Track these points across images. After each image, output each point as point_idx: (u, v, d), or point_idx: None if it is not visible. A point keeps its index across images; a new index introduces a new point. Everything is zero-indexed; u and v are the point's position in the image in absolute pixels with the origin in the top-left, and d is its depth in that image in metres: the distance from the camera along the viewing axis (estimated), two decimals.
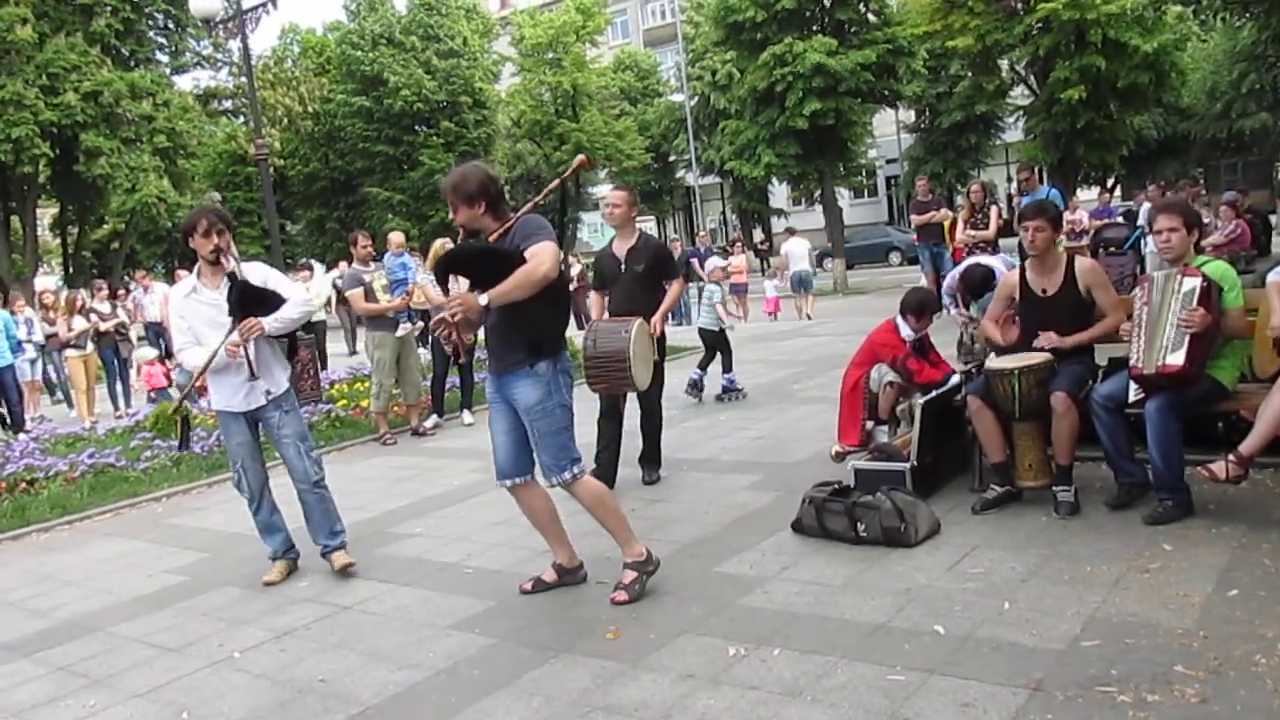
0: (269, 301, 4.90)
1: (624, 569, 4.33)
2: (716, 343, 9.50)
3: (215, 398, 5.11)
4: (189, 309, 5.00)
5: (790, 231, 20.65)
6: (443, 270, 4.20)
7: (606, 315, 6.09)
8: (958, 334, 7.80)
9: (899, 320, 6.34)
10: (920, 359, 6.15)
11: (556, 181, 4.51)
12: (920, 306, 6.33)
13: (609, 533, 4.38)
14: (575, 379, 4.55)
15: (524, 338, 4.13)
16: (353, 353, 17.75)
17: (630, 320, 5.44)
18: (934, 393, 5.54)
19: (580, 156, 4.76)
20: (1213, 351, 4.50)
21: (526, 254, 3.94)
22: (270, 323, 4.86)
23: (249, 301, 4.82)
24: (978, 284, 7.11)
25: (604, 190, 43.95)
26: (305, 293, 5.24)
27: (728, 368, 9.39)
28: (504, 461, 4.37)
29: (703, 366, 9.50)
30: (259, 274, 5.02)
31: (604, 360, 5.15)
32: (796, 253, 18.45)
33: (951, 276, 8.37)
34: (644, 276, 6.09)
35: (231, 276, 4.83)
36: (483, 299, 3.91)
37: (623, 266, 6.11)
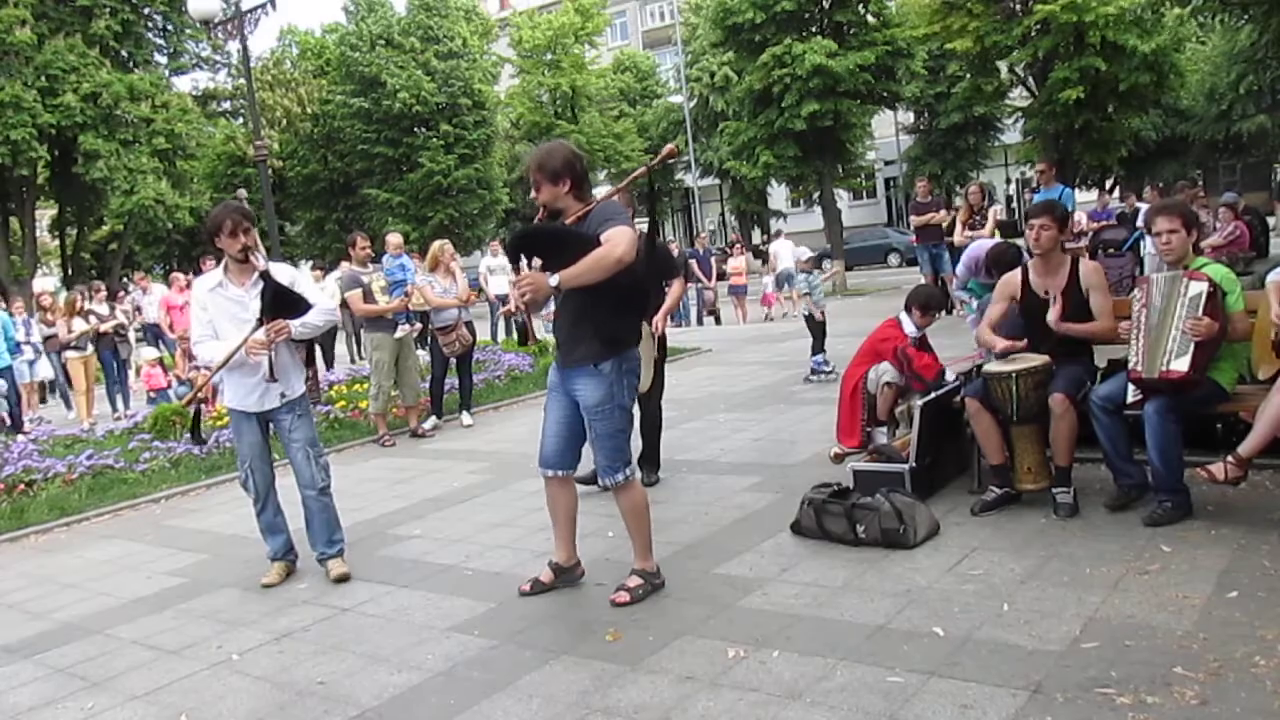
0: (298, 305, 4.88)
1: (632, 574, 4.32)
2: (813, 327, 9.99)
3: (229, 396, 5.08)
4: (212, 302, 4.97)
5: (778, 234, 21.42)
6: (514, 248, 4.06)
7: None
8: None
9: (903, 316, 6.34)
10: (918, 349, 6.16)
11: (643, 169, 4.32)
12: (927, 301, 6.34)
13: (632, 539, 4.36)
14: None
15: (593, 331, 4.04)
16: (360, 358, 17.62)
17: None
18: (932, 394, 5.54)
19: (670, 146, 4.59)
20: (1214, 355, 4.49)
21: (602, 238, 3.82)
22: (297, 327, 4.86)
23: (281, 303, 4.81)
24: (1008, 266, 6.93)
25: (601, 191, 44.00)
26: (330, 301, 5.22)
27: (816, 350, 9.83)
28: (550, 451, 4.33)
29: (821, 348, 9.94)
30: (286, 275, 5.00)
31: None
32: (782, 253, 19.30)
33: (973, 255, 8.13)
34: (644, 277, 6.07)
35: (265, 276, 4.82)
36: (553, 280, 3.79)
37: None
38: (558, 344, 4.26)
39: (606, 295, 3.89)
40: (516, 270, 4.00)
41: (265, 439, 5.10)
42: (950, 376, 6.10)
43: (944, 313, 12.60)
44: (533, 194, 4.14)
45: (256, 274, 4.88)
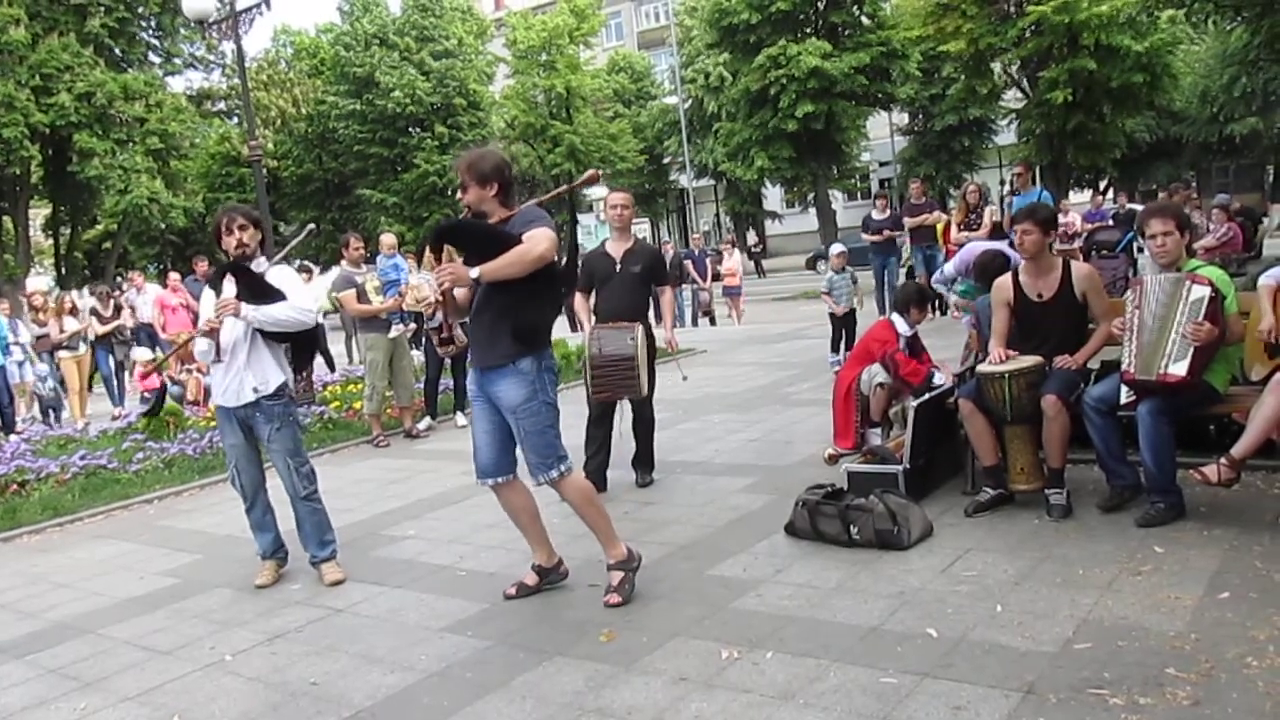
0: (265, 294, 4.84)
1: (610, 570, 4.32)
2: (846, 323, 10.19)
3: (214, 392, 5.13)
4: (208, 299, 5.02)
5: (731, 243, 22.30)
6: (436, 238, 4.15)
7: (593, 318, 6.07)
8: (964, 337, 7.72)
9: (895, 317, 6.35)
10: (907, 356, 6.17)
11: (565, 188, 4.54)
12: (919, 297, 6.34)
13: (593, 532, 4.38)
14: (560, 380, 4.53)
15: (510, 327, 4.07)
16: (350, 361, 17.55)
17: (633, 325, 5.44)
18: (926, 395, 5.55)
19: (592, 171, 4.71)
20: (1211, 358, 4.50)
21: (524, 238, 3.94)
22: (251, 311, 4.79)
23: (241, 284, 4.80)
24: (995, 274, 6.89)
25: (600, 192, 44.13)
26: (312, 303, 5.19)
27: (847, 346, 9.97)
28: (485, 460, 4.33)
29: (835, 349, 10.10)
30: (278, 276, 4.98)
31: (612, 366, 5.12)
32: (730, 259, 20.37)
33: (963, 260, 8.10)
34: (638, 279, 6.08)
35: (235, 264, 4.84)
36: (474, 272, 3.91)
37: (617, 267, 6.08)
38: (474, 346, 4.27)
39: (524, 292, 3.98)
40: (438, 260, 4.07)
41: (249, 440, 5.09)
42: (940, 379, 6.10)
43: (938, 313, 12.65)
44: (459, 194, 4.24)
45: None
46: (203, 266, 14.32)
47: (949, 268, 8.65)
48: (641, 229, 47.65)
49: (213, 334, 4.85)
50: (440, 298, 4.09)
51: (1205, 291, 4.36)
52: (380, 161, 35.53)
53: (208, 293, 5.03)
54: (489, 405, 4.27)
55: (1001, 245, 8.18)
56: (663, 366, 8.86)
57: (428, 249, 4.23)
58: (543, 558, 4.52)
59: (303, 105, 36.44)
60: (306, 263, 18.63)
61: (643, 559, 4.43)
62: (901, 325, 6.30)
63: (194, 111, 33.12)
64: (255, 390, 4.94)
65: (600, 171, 5.18)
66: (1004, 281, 5.20)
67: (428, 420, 9.36)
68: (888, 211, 14.28)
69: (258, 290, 4.84)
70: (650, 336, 5.95)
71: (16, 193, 27.74)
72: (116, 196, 26.86)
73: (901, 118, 38.01)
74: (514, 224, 4.07)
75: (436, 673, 3.78)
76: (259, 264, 4.95)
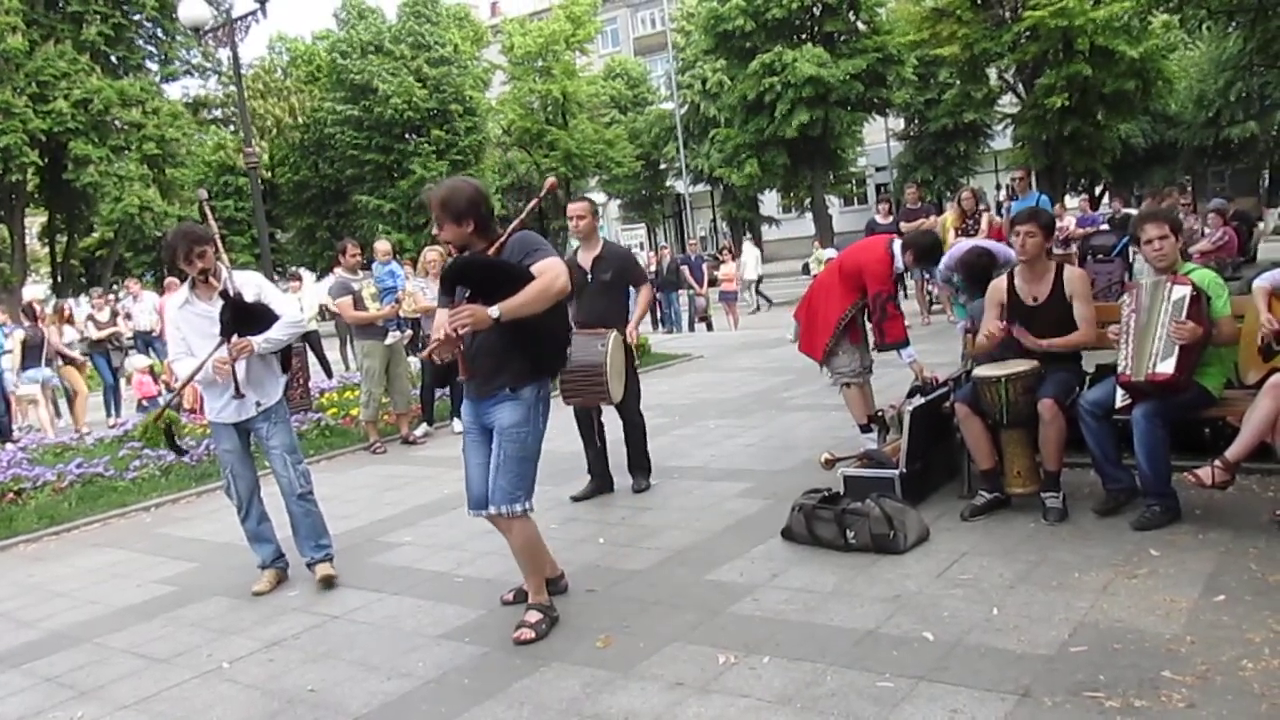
0: (262, 318, 4.87)
1: (528, 610, 4.16)
2: None
3: (207, 407, 5.13)
4: (183, 320, 4.98)
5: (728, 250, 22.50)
6: (451, 278, 3.98)
7: (574, 327, 6.08)
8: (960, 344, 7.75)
9: (896, 248, 6.19)
10: (896, 307, 6.12)
11: (534, 201, 4.49)
12: (926, 252, 6.24)
13: (526, 574, 4.24)
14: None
15: (522, 358, 3.98)
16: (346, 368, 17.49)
17: (606, 333, 5.45)
18: (922, 400, 5.56)
19: (550, 180, 4.73)
20: (1200, 358, 4.53)
21: (535, 269, 3.82)
22: (260, 343, 4.84)
23: (241, 320, 4.80)
24: (979, 276, 6.79)
25: (600, 199, 44.16)
26: (297, 309, 5.20)
27: None
28: (479, 492, 4.19)
29: None
30: (252, 285, 4.99)
31: (580, 373, 5.13)
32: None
33: (952, 256, 8.12)
34: (610, 285, 6.05)
35: (224, 295, 4.80)
36: (494, 312, 3.73)
37: (589, 276, 6.06)
38: (476, 376, 4.08)
39: (538, 323, 3.87)
40: (451, 304, 3.89)
41: (244, 445, 5.11)
42: (907, 355, 6.15)
43: (934, 317, 12.66)
44: (435, 230, 4.11)
45: (217, 293, 4.85)
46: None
47: (941, 268, 8.64)
48: (637, 234, 47.81)
49: (227, 370, 4.80)
50: (459, 345, 3.90)
51: (1185, 291, 4.41)
52: (377, 168, 35.53)
53: (198, 318, 4.92)
54: (484, 436, 4.15)
55: (988, 243, 8.20)
56: (660, 372, 8.87)
57: (438, 288, 4.10)
58: (547, 570, 4.50)
59: (299, 114, 36.46)
60: (299, 269, 18.63)
61: (559, 619, 4.21)
62: (899, 259, 6.16)
63: (190, 118, 33.10)
64: (259, 405, 4.99)
65: (557, 180, 5.27)
66: (999, 284, 5.22)
67: (424, 427, 9.36)
68: (890, 217, 14.26)
69: (257, 318, 4.86)
70: (626, 344, 5.92)
71: (13, 200, 27.70)
72: (111, 204, 26.85)
73: (897, 123, 38.09)
74: (509, 253, 3.94)
75: (433, 679, 3.79)
76: (222, 277, 4.92)
